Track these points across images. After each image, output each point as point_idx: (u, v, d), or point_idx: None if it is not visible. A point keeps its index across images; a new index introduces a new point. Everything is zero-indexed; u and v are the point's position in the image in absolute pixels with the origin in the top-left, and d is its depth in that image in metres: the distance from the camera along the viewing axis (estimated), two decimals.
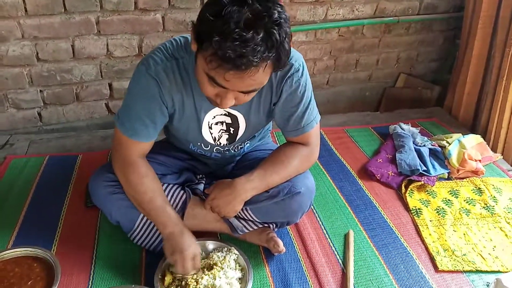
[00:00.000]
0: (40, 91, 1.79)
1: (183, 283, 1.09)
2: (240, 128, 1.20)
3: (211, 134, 1.20)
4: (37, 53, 1.70)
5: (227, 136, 1.21)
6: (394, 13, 2.24)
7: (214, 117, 1.16)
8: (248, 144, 1.32)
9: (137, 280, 1.15)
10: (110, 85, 1.89)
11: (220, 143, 1.22)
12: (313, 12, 2.06)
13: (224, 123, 1.18)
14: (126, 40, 1.79)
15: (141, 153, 1.16)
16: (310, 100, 1.16)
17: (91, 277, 1.15)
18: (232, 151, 1.29)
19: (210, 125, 1.17)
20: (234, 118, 1.17)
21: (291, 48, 1.10)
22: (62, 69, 1.77)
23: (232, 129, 1.19)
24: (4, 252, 1.11)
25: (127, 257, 1.22)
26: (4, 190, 1.45)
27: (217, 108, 1.13)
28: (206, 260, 1.17)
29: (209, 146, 1.24)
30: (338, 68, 2.33)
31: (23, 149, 1.70)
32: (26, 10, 1.59)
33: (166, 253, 1.07)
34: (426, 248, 1.32)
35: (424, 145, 1.78)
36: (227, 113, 1.16)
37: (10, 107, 1.78)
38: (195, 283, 1.08)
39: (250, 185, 1.13)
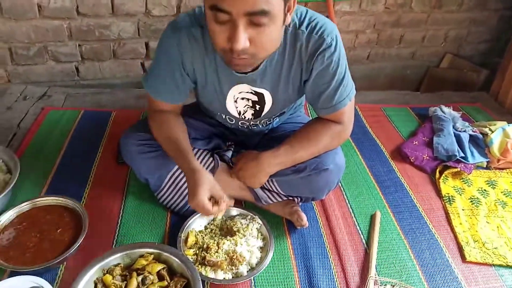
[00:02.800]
0: (79, 45, 1.81)
1: (205, 246, 1.10)
2: (266, 105, 1.16)
3: (236, 108, 1.17)
4: (77, 7, 1.70)
5: (252, 111, 1.18)
6: None
7: (240, 92, 1.12)
8: (277, 120, 1.28)
9: (161, 239, 1.17)
10: (146, 44, 1.89)
11: (245, 117, 1.19)
12: None
13: (250, 100, 1.14)
14: None
15: (171, 109, 1.16)
16: (343, 77, 1.08)
17: (117, 231, 1.18)
18: (260, 126, 1.26)
19: (235, 99, 1.14)
20: (260, 97, 1.13)
21: (325, 18, 1.04)
22: (101, 24, 1.77)
23: (258, 106, 1.16)
24: (37, 199, 1.15)
25: (152, 215, 1.24)
26: (40, 140, 1.49)
27: (243, 85, 1.09)
28: (230, 222, 1.18)
29: (234, 120, 1.22)
30: (380, 43, 2.22)
31: (59, 102, 1.74)
32: None
33: (188, 196, 1.03)
34: (455, 237, 1.28)
35: (464, 131, 1.69)
36: (253, 92, 1.11)
37: (49, 59, 1.81)
38: (216, 247, 1.10)
39: (276, 160, 1.11)
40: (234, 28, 0.82)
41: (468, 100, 2.09)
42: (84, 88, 1.89)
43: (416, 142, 1.64)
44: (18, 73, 1.81)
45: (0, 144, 1.29)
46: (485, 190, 1.47)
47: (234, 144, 1.34)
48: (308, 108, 1.82)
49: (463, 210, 1.37)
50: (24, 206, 1.13)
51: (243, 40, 0.83)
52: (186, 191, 1.17)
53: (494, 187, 1.49)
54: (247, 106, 1.16)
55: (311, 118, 1.26)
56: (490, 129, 1.69)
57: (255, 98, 1.13)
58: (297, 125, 1.30)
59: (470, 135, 1.67)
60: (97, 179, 1.35)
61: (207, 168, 1.21)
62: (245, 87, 1.10)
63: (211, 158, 1.24)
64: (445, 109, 1.82)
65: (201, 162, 1.21)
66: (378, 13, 2.09)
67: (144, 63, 1.94)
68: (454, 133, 1.66)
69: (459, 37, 2.34)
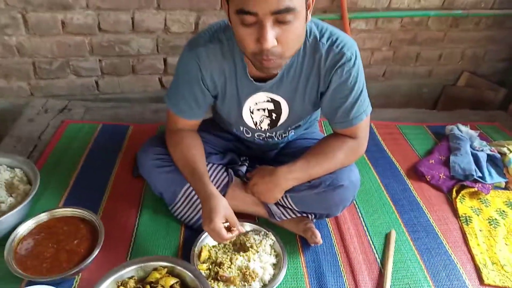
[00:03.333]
0: (99, 60, 1.86)
1: (218, 261, 1.11)
2: (282, 114, 1.17)
3: (252, 118, 1.18)
4: (99, 23, 1.75)
5: (268, 121, 1.19)
6: (464, 5, 2.10)
7: (257, 103, 1.14)
8: (292, 133, 1.29)
9: (174, 253, 1.18)
10: (165, 60, 1.93)
11: (261, 128, 1.21)
12: (376, 0, 1.96)
13: (267, 110, 1.16)
14: (184, 16, 1.81)
15: (190, 127, 1.20)
16: (361, 92, 1.10)
17: (131, 244, 1.19)
18: (276, 139, 1.27)
19: (252, 110, 1.16)
20: (277, 104, 1.14)
21: (345, 34, 1.06)
22: (121, 40, 1.82)
23: (274, 115, 1.17)
24: (56, 210, 1.17)
25: (166, 229, 1.25)
26: (59, 152, 1.52)
27: (259, 94, 1.11)
28: (243, 238, 1.18)
29: (251, 132, 1.23)
30: (396, 61, 2.22)
31: (79, 115, 1.78)
32: None
33: (203, 221, 1.04)
34: (472, 259, 1.25)
35: (482, 150, 1.66)
36: (270, 99, 1.13)
37: (70, 73, 1.87)
38: (229, 262, 1.10)
39: (292, 175, 1.11)
40: (262, 28, 0.84)
41: (485, 119, 2.06)
42: (103, 102, 1.93)
43: (432, 160, 1.63)
44: (40, 86, 1.87)
45: (21, 155, 1.33)
46: (503, 211, 1.44)
47: (249, 159, 1.35)
48: (323, 125, 1.83)
49: (480, 231, 1.34)
50: (43, 217, 1.15)
51: (271, 39, 0.85)
52: (200, 206, 1.18)
53: None
54: (263, 116, 1.18)
55: (325, 135, 1.26)
56: (508, 149, 1.67)
57: (271, 106, 1.15)
58: (311, 141, 1.30)
59: (488, 155, 1.64)
60: (114, 192, 1.37)
61: (221, 183, 1.22)
62: (261, 96, 1.12)
63: (226, 173, 1.25)
64: (462, 127, 1.80)
65: (215, 177, 1.22)
66: (394, 31, 2.10)
67: (162, 78, 1.98)
68: (471, 152, 1.64)
69: (476, 55, 2.33)
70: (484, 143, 1.73)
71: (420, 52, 2.23)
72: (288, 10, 0.83)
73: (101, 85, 1.94)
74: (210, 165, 1.23)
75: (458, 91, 2.36)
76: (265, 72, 0.96)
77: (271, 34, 0.85)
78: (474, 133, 1.77)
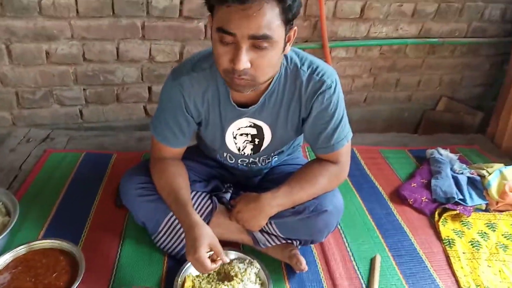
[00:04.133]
0: (84, 89, 1.86)
1: None
2: (265, 140, 1.19)
3: (235, 144, 1.20)
4: (84, 53, 1.76)
5: (251, 146, 1.20)
6: (440, 34, 2.18)
7: (239, 128, 1.16)
8: (276, 158, 1.31)
9: (157, 284, 1.15)
10: (149, 89, 1.94)
11: (245, 153, 1.22)
12: (355, 29, 2.04)
13: (249, 135, 1.17)
14: (169, 46, 1.84)
15: (174, 155, 1.20)
16: (341, 118, 1.13)
17: (113, 275, 1.16)
18: (259, 165, 1.28)
19: (234, 135, 1.17)
20: (259, 129, 1.16)
21: (325, 63, 1.10)
22: (106, 70, 1.83)
23: (257, 140, 1.19)
24: (34, 243, 1.14)
25: (149, 260, 1.23)
26: (41, 182, 1.50)
27: (242, 120, 1.13)
28: (227, 266, 1.16)
29: (234, 158, 1.24)
30: (377, 87, 2.28)
31: (62, 144, 1.77)
32: (77, 12, 1.66)
33: (186, 251, 1.02)
34: (457, 281, 1.26)
35: (462, 173, 1.70)
36: (252, 124, 1.15)
37: (54, 103, 1.86)
38: None
39: (276, 202, 1.12)
40: (237, 50, 0.88)
41: (465, 142, 2.11)
42: (87, 131, 1.92)
43: (414, 184, 1.65)
44: (23, 116, 1.86)
45: (1, 186, 1.30)
46: (485, 233, 1.46)
47: (233, 186, 1.35)
48: (306, 151, 1.85)
49: (463, 253, 1.36)
50: (20, 250, 1.12)
51: (244, 61, 0.88)
52: (183, 235, 1.17)
53: (495, 230, 1.48)
54: (246, 142, 1.19)
55: (309, 160, 1.28)
56: (487, 171, 1.70)
57: (254, 131, 1.16)
58: (295, 166, 1.32)
59: (468, 177, 1.67)
60: (96, 222, 1.34)
61: (205, 211, 1.22)
62: (244, 122, 1.14)
63: (210, 201, 1.25)
64: (443, 151, 1.84)
65: (199, 204, 1.22)
66: (374, 59, 2.17)
67: (146, 106, 1.99)
68: (452, 175, 1.67)
69: (453, 81, 2.40)
70: (464, 166, 1.77)
71: (399, 78, 2.29)
72: (265, 37, 0.87)
73: (85, 114, 1.93)
74: (194, 192, 1.23)
75: (438, 115, 2.43)
76: (235, 89, 0.98)
77: (245, 57, 0.88)
78: (454, 157, 1.81)
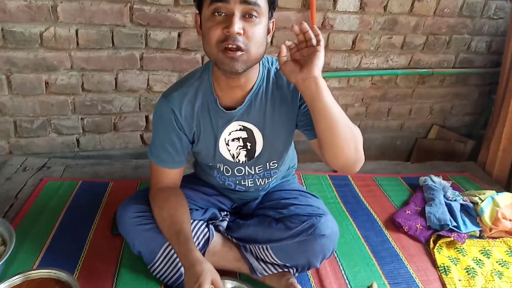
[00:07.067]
0: (81, 118, 1.89)
1: None
2: (257, 144, 1.20)
3: (229, 151, 1.21)
4: (83, 83, 1.80)
5: (245, 152, 1.22)
6: (429, 65, 2.26)
7: (230, 133, 1.18)
8: (274, 181, 1.32)
9: None
10: (146, 117, 1.97)
11: (239, 161, 1.23)
12: (347, 60, 2.10)
13: (241, 139, 1.19)
14: (166, 77, 1.88)
15: (173, 180, 1.22)
16: None
17: None
18: (257, 183, 1.29)
19: (227, 142, 1.19)
20: (249, 132, 1.18)
21: None
22: (104, 99, 1.87)
23: (249, 144, 1.20)
24: (29, 272, 1.13)
25: None
26: (37, 211, 1.50)
27: (232, 124, 1.16)
28: None
29: (230, 170, 1.25)
30: (369, 116, 2.33)
31: (58, 173, 1.78)
32: (78, 44, 1.71)
33: (188, 286, 1.03)
34: None
35: (455, 200, 1.72)
36: (242, 127, 1.17)
37: (51, 131, 1.88)
38: None
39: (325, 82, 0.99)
40: (230, 16, 0.95)
41: (457, 169, 2.15)
42: (83, 159, 1.93)
43: (409, 211, 1.67)
44: (20, 145, 1.87)
45: None
46: (480, 260, 1.47)
47: (230, 214, 1.36)
48: (301, 178, 1.87)
49: (459, 280, 1.36)
50: (15, 280, 1.11)
51: (238, 24, 0.94)
52: (180, 264, 1.17)
53: (489, 257, 1.49)
54: (239, 147, 1.21)
55: (304, 187, 1.29)
56: (480, 198, 1.73)
57: (244, 134, 1.19)
58: (291, 192, 1.33)
59: (461, 204, 1.70)
60: (91, 251, 1.34)
61: (202, 239, 1.22)
62: (234, 125, 1.17)
63: (206, 229, 1.25)
64: (435, 178, 1.87)
65: (196, 233, 1.22)
66: (366, 89, 2.23)
67: (143, 135, 2.02)
68: (445, 202, 1.69)
69: (444, 109, 2.47)
70: (457, 193, 1.80)
71: (391, 108, 2.35)
72: (255, 4, 0.96)
73: (82, 143, 1.95)
74: (191, 221, 1.23)
75: (430, 143, 2.47)
76: (228, 68, 0.99)
77: (238, 20, 0.95)
78: (447, 184, 1.84)
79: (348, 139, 1.02)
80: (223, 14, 0.96)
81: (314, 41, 0.95)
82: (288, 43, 0.98)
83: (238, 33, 0.95)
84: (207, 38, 1.00)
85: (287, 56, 0.98)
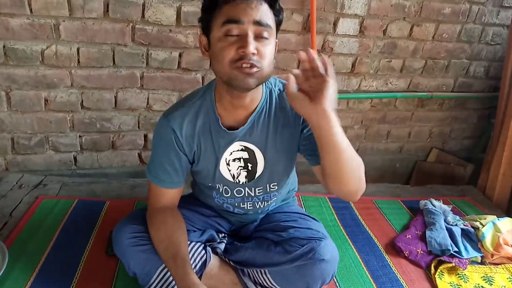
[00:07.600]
0: (79, 136, 1.88)
1: None
2: (258, 165, 1.19)
3: (229, 171, 1.19)
4: (82, 101, 1.80)
5: (245, 173, 1.20)
6: (428, 88, 2.27)
7: (231, 153, 1.17)
8: (273, 204, 1.30)
9: None
10: (145, 136, 1.96)
11: (239, 181, 1.21)
12: (347, 82, 2.12)
13: (242, 159, 1.18)
14: (166, 96, 1.88)
15: (170, 201, 1.20)
16: None
17: None
18: (257, 205, 1.27)
19: (227, 162, 1.18)
20: (251, 153, 1.17)
21: None
22: (103, 117, 1.86)
23: (250, 165, 1.19)
24: None
25: None
26: (32, 229, 1.47)
27: (233, 144, 1.15)
28: None
29: (230, 191, 1.23)
30: (368, 138, 2.33)
31: (54, 191, 1.75)
32: (78, 62, 1.71)
33: None
34: None
35: (456, 225, 1.70)
36: (243, 148, 1.16)
37: (49, 149, 1.86)
38: None
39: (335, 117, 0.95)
40: (244, 37, 0.96)
41: (457, 193, 2.14)
42: (80, 177, 1.91)
43: (409, 235, 1.65)
44: (16, 161, 1.85)
45: None
46: (482, 286, 1.44)
47: (227, 236, 1.34)
48: (301, 200, 1.84)
49: None
50: None
51: (253, 44, 0.95)
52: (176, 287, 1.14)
53: (492, 284, 1.46)
54: (240, 168, 1.19)
55: (304, 209, 1.27)
56: (481, 223, 1.71)
57: (245, 155, 1.17)
58: (290, 214, 1.32)
59: (462, 229, 1.68)
60: (86, 271, 1.30)
61: (199, 261, 1.20)
62: (235, 146, 1.15)
63: (204, 251, 1.23)
64: (436, 202, 1.86)
65: (193, 255, 1.20)
66: (365, 111, 2.23)
67: (141, 153, 2.00)
68: (446, 227, 1.67)
69: (443, 133, 2.47)
70: (458, 217, 1.78)
71: (390, 130, 2.35)
72: (267, 25, 0.98)
73: (80, 160, 1.93)
74: (188, 242, 1.21)
75: (429, 166, 2.46)
76: (242, 84, 0.98)
77: (253, 40, 0.96)
78: (447, 208, 1.82)
79: (353, 171, 1.00)
80: (235, 34, 0.97)
81: (322, 70, 0.89)
82: (296, 71, 0.92)
83: (253, 53, 0.96)
84: (220, 58, 0.99)
85: (296, 86, 0.92)
